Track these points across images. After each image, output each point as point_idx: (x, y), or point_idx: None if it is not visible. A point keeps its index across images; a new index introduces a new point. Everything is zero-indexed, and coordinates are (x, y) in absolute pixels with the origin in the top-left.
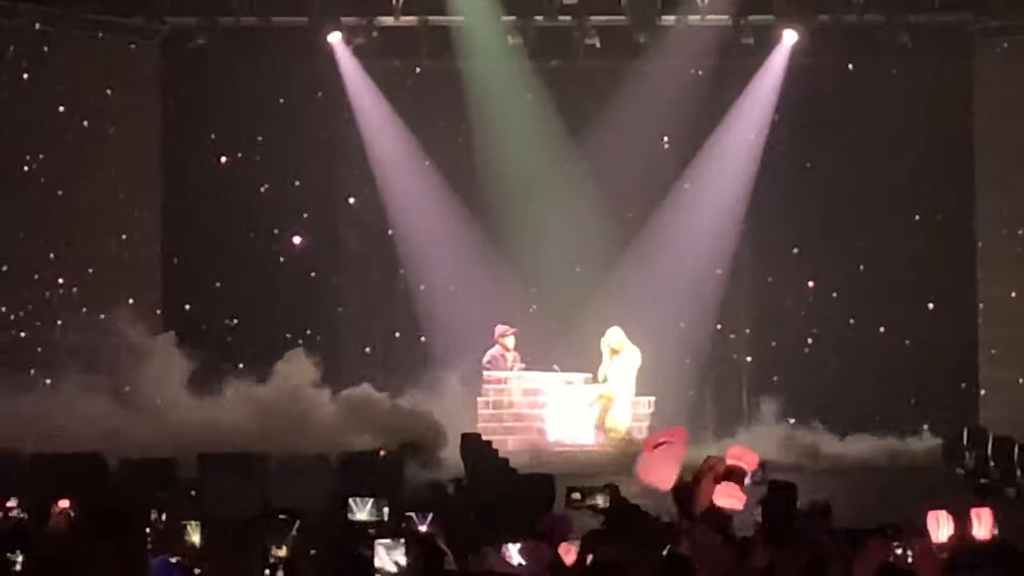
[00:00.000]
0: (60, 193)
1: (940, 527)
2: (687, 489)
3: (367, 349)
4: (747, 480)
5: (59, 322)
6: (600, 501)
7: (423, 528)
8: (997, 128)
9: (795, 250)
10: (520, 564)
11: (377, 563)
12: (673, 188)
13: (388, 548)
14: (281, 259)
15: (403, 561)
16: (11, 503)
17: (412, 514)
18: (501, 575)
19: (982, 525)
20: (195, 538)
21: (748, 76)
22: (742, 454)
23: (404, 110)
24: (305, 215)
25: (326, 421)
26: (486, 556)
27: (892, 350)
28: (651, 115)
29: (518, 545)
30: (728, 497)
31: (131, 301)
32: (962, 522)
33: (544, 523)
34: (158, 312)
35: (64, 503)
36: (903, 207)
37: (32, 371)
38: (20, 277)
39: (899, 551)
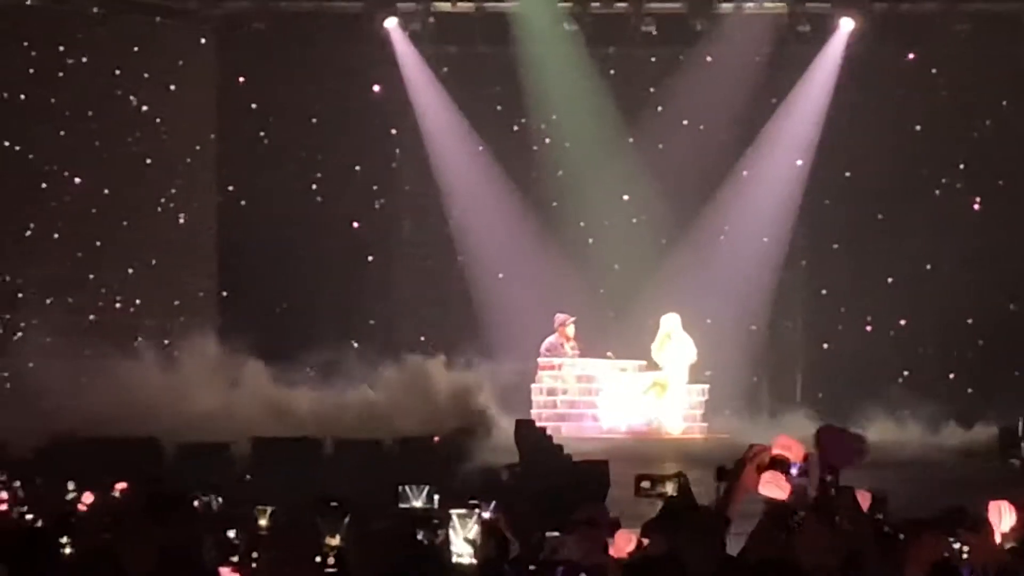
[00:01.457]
0: (117, 178)
1: (1002, 518)
2: (730, 476)
3: (422, 337)
4: (792, 471)
5: (117, 305)
6: (670, 489)
7: (487, 515)
8: None
9: (851, 238)
10: (573, 552)
11: (452, 536)
12: (729, 176)
13: (461, 519)
14: (337, 245)
15: (476, 537)
16: (69, 486)
17: (476, 501)
18: (561, 562)
19: None
20: (263, 522)
21: (805, 64)
22: (789, 444)
23: (460, 96)
24: (360, 201)
25: (379, 407)
26: (549, 543)
27: (950, 339)
28: (707, 103)
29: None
30: (772, 486)
31: (188, 284)
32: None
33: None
34: (216, 296)
35: (121, 486)
36: (962, 197)
37: (89, 352)
38: (78, 263)
39: (955, 545)
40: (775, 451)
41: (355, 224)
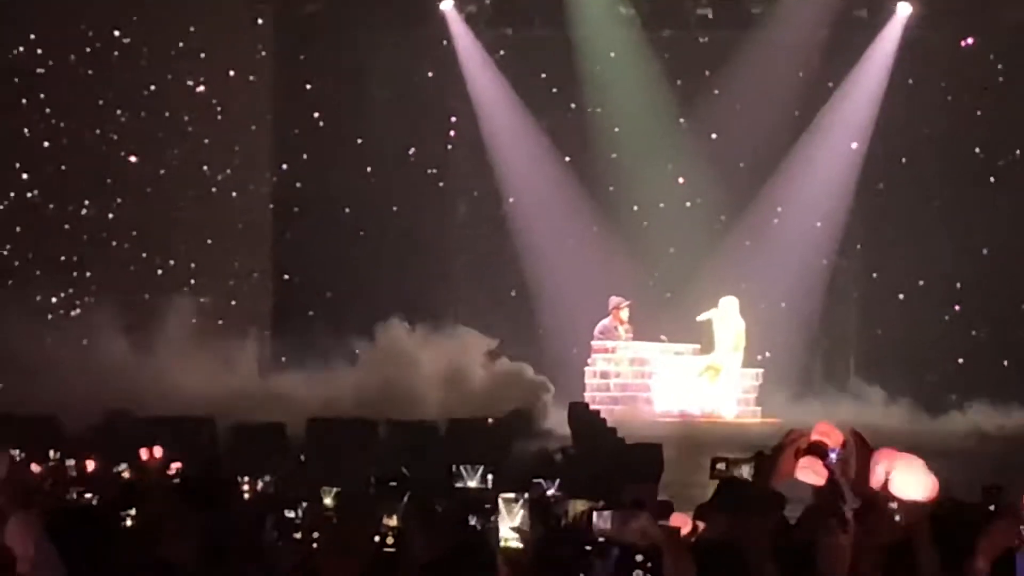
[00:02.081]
0: (173, 158)
1: None
2: (767, 461)
3: (476, 319)
4: (831, 457)
5: (171, 285)
6: (746, 472)
7: (550, 492)
8: None
9: (906, 223)
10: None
11: (501, 522)
12: (784, 160)
13: (507, 504)
14: (391, 227)
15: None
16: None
17: (540, 480)
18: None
19: None
20: (328, 501)
21: (861, 49)
22: (828, 431)
23: (515, 78)
24: (415, 184)
25: (434, 389)
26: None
27: (1004, 325)
28: (762, 87)
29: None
30: (810, 472)
31: (242, 265)
32: None
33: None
34: (270, 277)
35: (176, 465)
36: (1019, 183)
37: (144, 331)
38: (134, 242)
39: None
40: (813, 437)
41: (409, 207)
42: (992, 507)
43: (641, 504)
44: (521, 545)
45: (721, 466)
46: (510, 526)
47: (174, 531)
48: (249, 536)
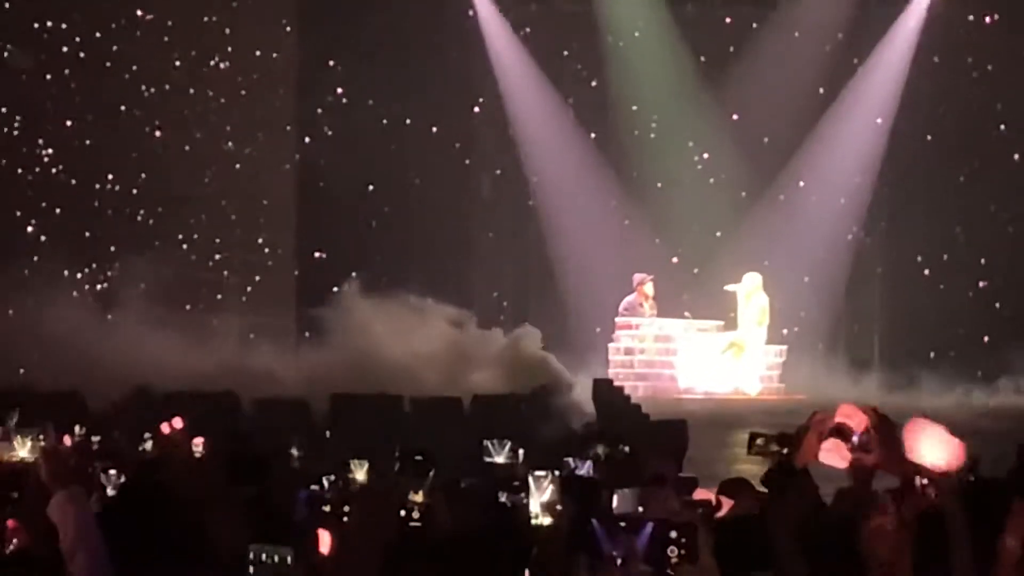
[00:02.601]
0: (197, 136)
1: None
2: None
3: (495, 294)
4: (854, 440)
5: (196, 260)
6: (784, 448)
7: (582, 472)
8: None
9: (931, 200)
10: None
11: (531, 499)
12: (809, 137)
13: (537, 481)
14: (415, 203)
15: (552, 498)
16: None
17: (569, 459)
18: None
19: None
20: (360, 476)
21: (886, 25)
22: (852, 413)
23: (540, 55)
24: (439, 159)
25: (457, 364)
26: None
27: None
28: (787, 63)
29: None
30: (833, 455)
31: (262, 241)
32: None
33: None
34: (294, 253)
35: (199, 440)
36: None
37: (168, 307)
38: (159, 217)
39: None
40: (837, 419)
41: (434, 184)
42: None
43: (662, 481)
44: (552, 521)
45: (760, 442)
46: (540, 502)
47: (221, 508)
48: (285, 511)
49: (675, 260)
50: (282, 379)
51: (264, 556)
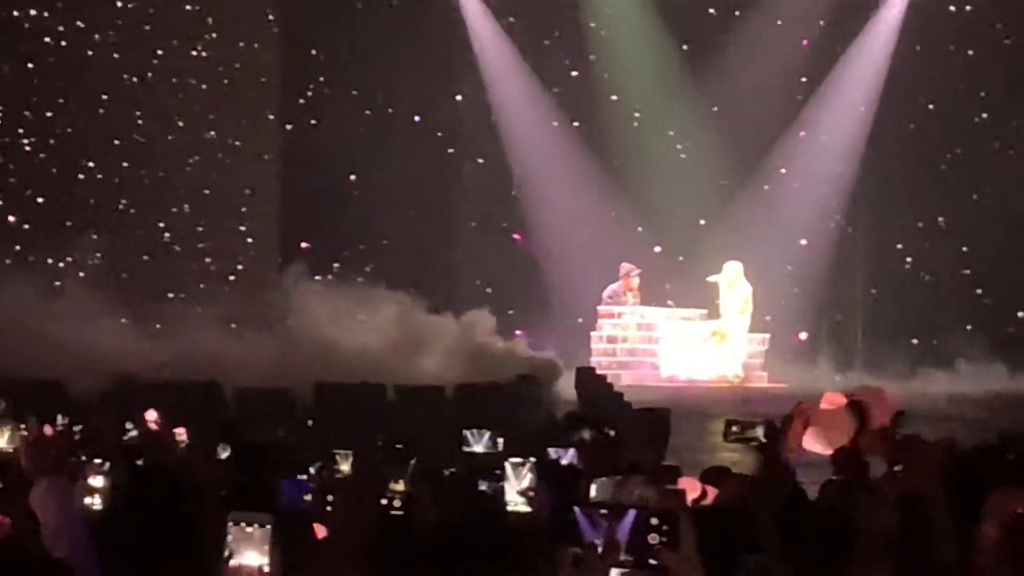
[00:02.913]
0: (180, 124)
1: None
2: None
3: (482, 284)
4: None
5: (178, 248)
6: (760, 434)
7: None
8: None
9: (914, 188)
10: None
11: (507, 487)
12: (792, 126)
13: (515, 468)
14: (398, 191)
15: (530, 486)
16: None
17: (551, 449)
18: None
19: None
20: (344, 466)
21: (868, 14)
22: (836, 401)
23: (523, 43)
24: (422, 148)
25: (441, 354)
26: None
27: (1012, 290)
28: (770, 51)
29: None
30: (818, 443)
31: (245, 230)
32: None
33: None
34: (276, 241)
35: (179, 429)
36: (1021, 140)
37: (153, 298)
38: (140, 205)
39: None
40: (823, 406)
41: (417, 172)
42: (1010, 455)
43: (639, 469)
44: (529, 509)
45: (736, 428)
46: (517, 490)
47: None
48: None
49: (658, 249)
50: (267, 367)
51: (244, 524)
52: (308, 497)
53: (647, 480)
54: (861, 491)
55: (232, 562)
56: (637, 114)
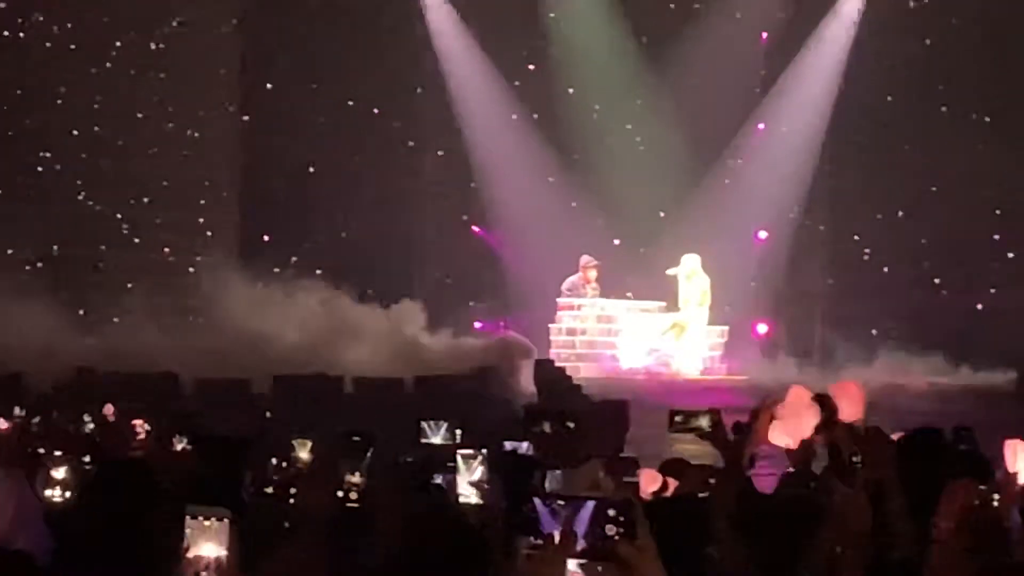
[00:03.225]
0: (139, 116)
1: (1018, 457)
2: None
3: (441, 275)
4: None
5: (136, 240)
6: (704, 424)
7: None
8: None
9: (872, 182)
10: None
11: (459, 478)
12: (752, 118)
13: (466, 460)
14: (357, 182)
15: (482, 478)
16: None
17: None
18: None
19: None
20: (303, 455)
21: (827, 7)
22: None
23: (482, 36)
24: (382, 140)
25: (399, 345)
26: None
27: (972, 284)
28: (729, 44)
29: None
30: (784, 436)
31: (204, 222)
32: None
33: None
34: (236, 231)
35: (138, 421)
36: (983, 142)
37: (111, 289)
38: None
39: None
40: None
41: (376, 164)
42: (963, 447)
43: (595, 461)
44: (480, 501)
45: (679, 418)
46: (468, 481)
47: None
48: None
49: (617, 241)
50: (226, 358)
51: (202, 518)
52: (269, 490)
53: (604, 471)
54: (835, 481)
55: (190, 555)
56: (596, 107)
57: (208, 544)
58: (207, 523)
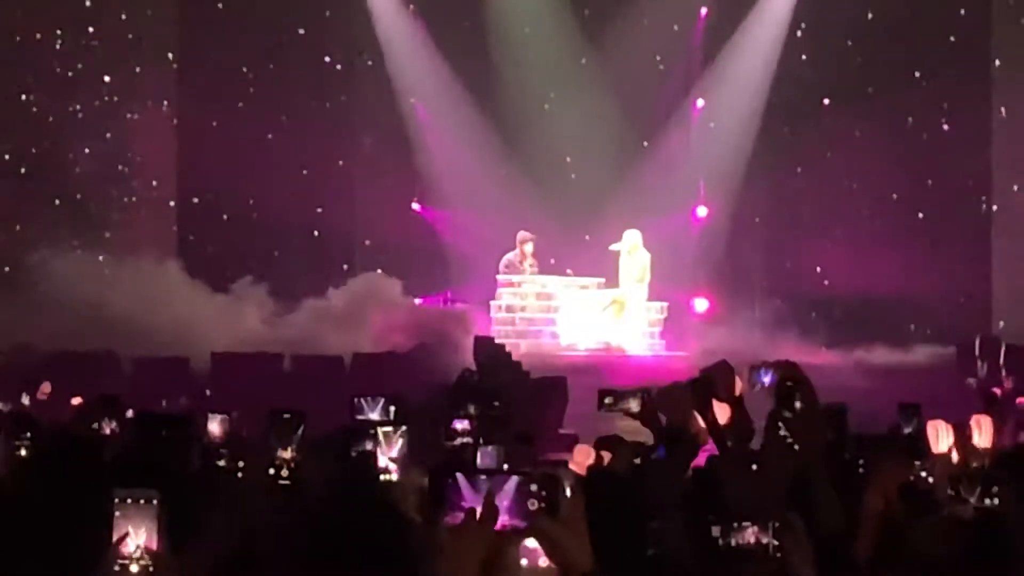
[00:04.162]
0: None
1: (940, 438)
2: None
3: (383, 255)
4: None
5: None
6: (633, 405)
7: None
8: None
9: (812, 159)
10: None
11: (379, 452)
12: (692, 93)
13: (387, 436)
14: (297, 160)
15: (400, 453)
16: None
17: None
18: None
19: (983, 434)
20: (215, 430)
21: None
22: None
23: (422, 9)
24: (320, 120)
25: (340, 323)
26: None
27: (911, 259)
28: (671, 19)
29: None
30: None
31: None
32: (962, 432)
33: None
34: (174, 212)
35: (76, 400)
36: (920, 110)
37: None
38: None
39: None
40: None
41: (316, 144)
42: (908, 429)
43: (526, 439)
44: (397, 477)
45: (609, 400)
46: (389, 456)
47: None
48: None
49: (556, 218)
50: (165, 339)
51: (129, 500)
52: (222, 463)
53: (535, 450)
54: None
55: (117, 538)
56: (536, 81)
57: (137, 528)
58: (134, 505)
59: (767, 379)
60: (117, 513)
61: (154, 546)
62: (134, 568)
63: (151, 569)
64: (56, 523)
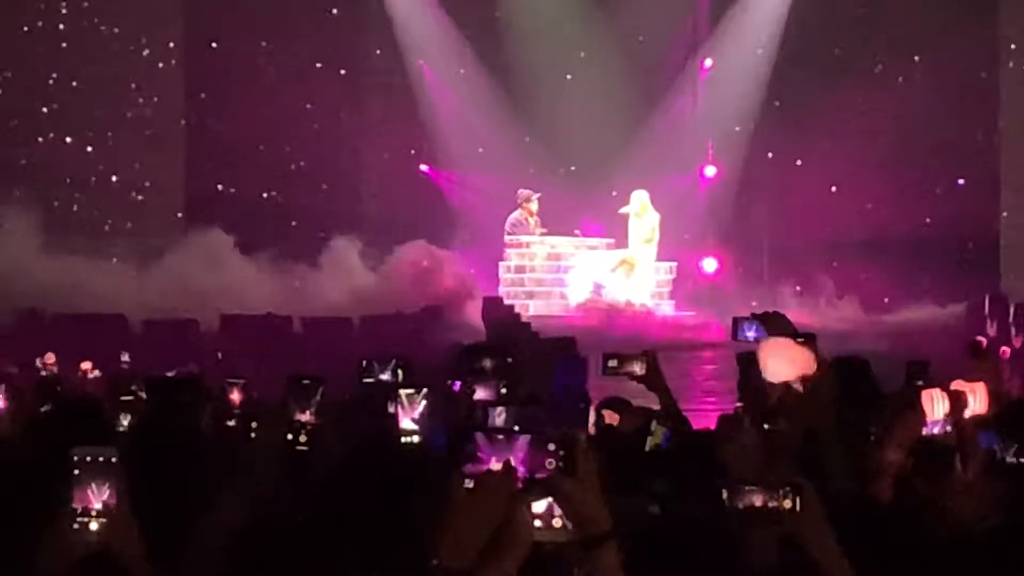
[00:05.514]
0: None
1: (935, 405)
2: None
3: (391, 219)
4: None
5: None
6: (637, 368)
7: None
8: None
9: (819, 122)
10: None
11: (401, 415)
12: (700, 53)
13: (409, 398)
14: (304, 128)
15: (424, 412)
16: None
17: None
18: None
19: (978, 400)
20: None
21: None
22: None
23: None
24: (326, 86)
25: (351, 286)
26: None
27: (918, 216)
28: None
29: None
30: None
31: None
32: (958, 400)
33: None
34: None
35: (86, 364)
36: (924, 82)
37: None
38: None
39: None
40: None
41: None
42: (919, 383)
43: (536, 399)
44: (420, 439)
45: (613, 363)
46: (411, 418)
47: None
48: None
49: (566, 178)
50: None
51: (88, 458)
52: (232, 423)
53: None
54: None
55: (77, 495)
56: (544, 42)
57: (98, 485)
58: (94, 463)
59: (751, 333)
60: (76, 471)
61: (114, 504)
62: (93, 526)
63: (111, 527)
64: (42, 484)
